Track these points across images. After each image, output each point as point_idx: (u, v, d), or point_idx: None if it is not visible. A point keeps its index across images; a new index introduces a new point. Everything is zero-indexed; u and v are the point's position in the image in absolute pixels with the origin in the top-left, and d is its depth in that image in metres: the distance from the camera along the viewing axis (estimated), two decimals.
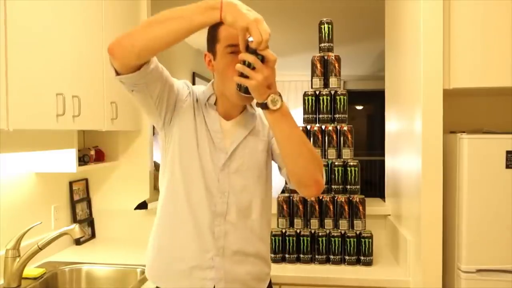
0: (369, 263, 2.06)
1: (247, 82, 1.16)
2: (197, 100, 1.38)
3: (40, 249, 1.74)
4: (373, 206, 2.45)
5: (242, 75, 1.16)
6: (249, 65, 1.14)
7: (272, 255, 2.12)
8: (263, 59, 1.13)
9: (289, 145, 1.24)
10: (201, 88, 1.42)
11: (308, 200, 2.13)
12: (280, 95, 1.18)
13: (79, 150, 2.12)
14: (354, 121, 8.17)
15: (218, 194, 1.33)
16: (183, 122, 1.34)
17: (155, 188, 2.66)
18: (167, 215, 1.38)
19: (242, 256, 1.36)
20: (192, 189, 1.32)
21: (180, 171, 1.33)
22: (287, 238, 2.12)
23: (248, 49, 1.14)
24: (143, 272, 1.88)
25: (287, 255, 2.13)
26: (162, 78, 1.25)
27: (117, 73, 1.18)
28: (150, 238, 1.44)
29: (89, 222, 2.52)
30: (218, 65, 1.30)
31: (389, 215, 2.40)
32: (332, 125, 2.16)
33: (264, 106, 1.19)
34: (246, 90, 1.19)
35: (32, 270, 1.83)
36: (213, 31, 1.28)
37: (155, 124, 1.37)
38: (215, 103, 1.37)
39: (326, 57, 2.18)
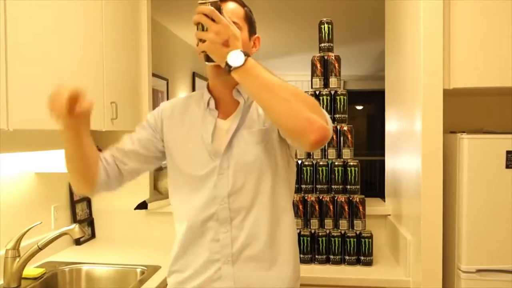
0: (369, 263, 2.06)
1: (202, 46, 1.07)
2: (184, 110, 1.35)
3: (40, 249, 1.74)
4: (373, 206, 2.45)
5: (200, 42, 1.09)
6: (202, 29, 1.07)
7: None
8: (219, 10, 1.04)
9: (267, 95, 1.06)
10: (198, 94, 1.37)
11: (308, 200, 2.13)
12: (243, 52, 1.05)
13: None
14: (354, 121, 8.17)
15: (218, 200, 1.26)
16: (170, 142, 1.34)
17: (155, 188, 2.66)
18: (177, 226, 1.36)
19: (254, 262, 1.25)
20: (194, 201, 1.28)
21: (181, 186, 1.32)
22: None
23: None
24: (143, 272, 1.88)
25: None
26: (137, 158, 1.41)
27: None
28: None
29: (89, 222, 2.52)
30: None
31: (389, 215, 2.40)
32: (332, 125, 2.16)
33: (228, 68, 1.06)
34: (208, 58, 1.10)
35: (32, 270, 1.82)
36: None
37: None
38: (216, 107, 1.31)
39: (326, 57, 2.18)
